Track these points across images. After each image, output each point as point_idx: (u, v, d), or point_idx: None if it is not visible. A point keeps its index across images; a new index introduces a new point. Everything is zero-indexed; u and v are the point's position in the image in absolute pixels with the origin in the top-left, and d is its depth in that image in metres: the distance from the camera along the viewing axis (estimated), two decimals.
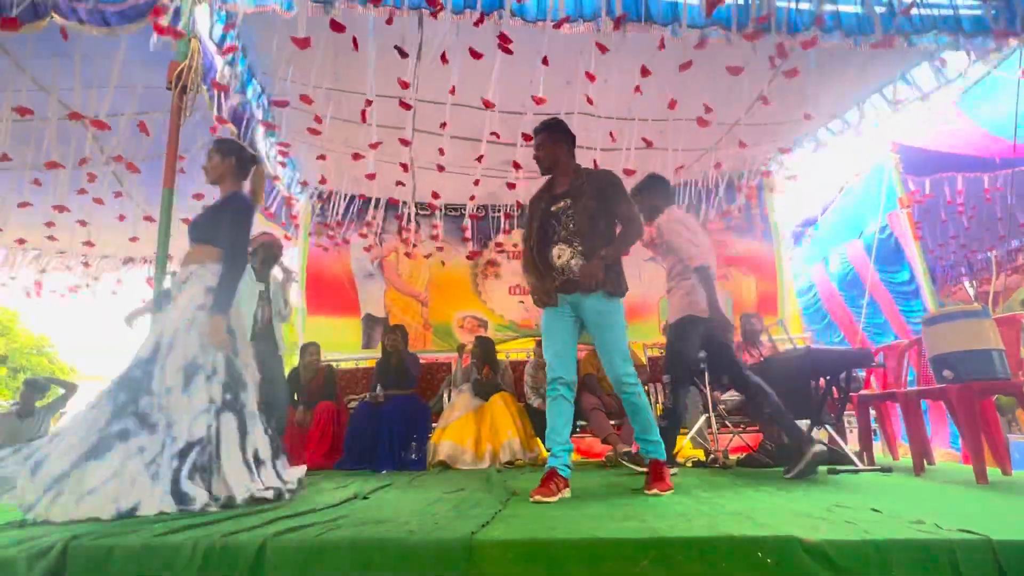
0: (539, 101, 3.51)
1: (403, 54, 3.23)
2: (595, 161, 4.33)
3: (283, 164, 4.87)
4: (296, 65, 3.45)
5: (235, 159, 2.58)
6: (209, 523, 1.67)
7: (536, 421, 4.05)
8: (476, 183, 4.66)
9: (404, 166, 4.35)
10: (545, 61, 3.37)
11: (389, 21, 3.13)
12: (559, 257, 2.45)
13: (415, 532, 1.50)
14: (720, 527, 1.47)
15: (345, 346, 5.63)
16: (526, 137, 3.84)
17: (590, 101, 3.70)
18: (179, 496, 2.00)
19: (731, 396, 3.88)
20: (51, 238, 5.63)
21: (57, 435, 2.11)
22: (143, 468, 2.00)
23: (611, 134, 4.30)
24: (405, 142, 3.98)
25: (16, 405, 5.14)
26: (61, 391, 5.40)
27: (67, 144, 3.87)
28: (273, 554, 1.41)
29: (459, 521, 1.67)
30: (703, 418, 3.69)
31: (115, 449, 2.01)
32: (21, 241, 5.77)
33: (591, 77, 3.46)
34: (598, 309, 2.40)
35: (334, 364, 4.86)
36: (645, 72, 3.53)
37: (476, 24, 3.16)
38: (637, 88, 3.63)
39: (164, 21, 2.91)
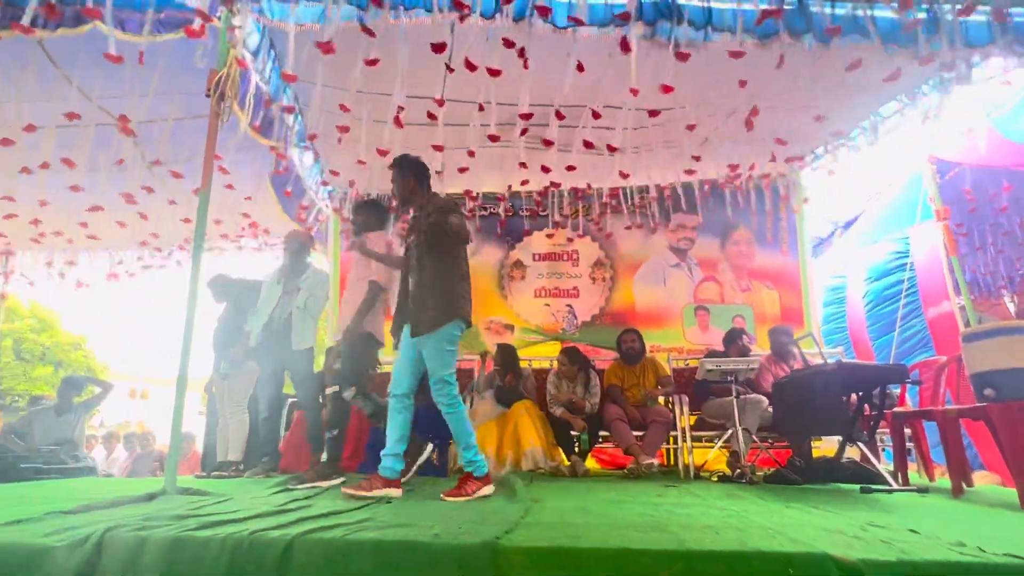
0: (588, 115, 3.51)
1: (438, 49, 3.26)
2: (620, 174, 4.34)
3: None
4: (327, 70, 3.52)
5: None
6: (237, 520, 1.70)
7: (559, 430, 4.03)
8: (523, 165, 4.62)
9: (438, 147, 4.34)
10: (580, 67, 3.37)
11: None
12: (412, 287, 2.70)
13: (439, 536, 1.50)
14: (750, 542, 1.43)
15: None
16: (559, 115, 3.85)
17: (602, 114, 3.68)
18: None
19: (756, 406, 3.80)
20: (92, 237, 5.84)
21: None
22: None
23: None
24: (438, 148, 4.01)
25: (54, 402, 5.31)
26: (97, 389, 5.56)
27: (108, 148, 4.04)
28: (300, 552, 1.42)
29: (482, 527, 1.67)
30: (731, 431, 3.62)
31: None
32: (58, 233, 5.94)
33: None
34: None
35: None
36: (667, 90, 3.51)
37: (506, 42, 3.18)
38: (666, 88, 3.58)
39: (195, 25, 3.02)
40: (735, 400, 3.66)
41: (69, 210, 5.09)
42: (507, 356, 4.38)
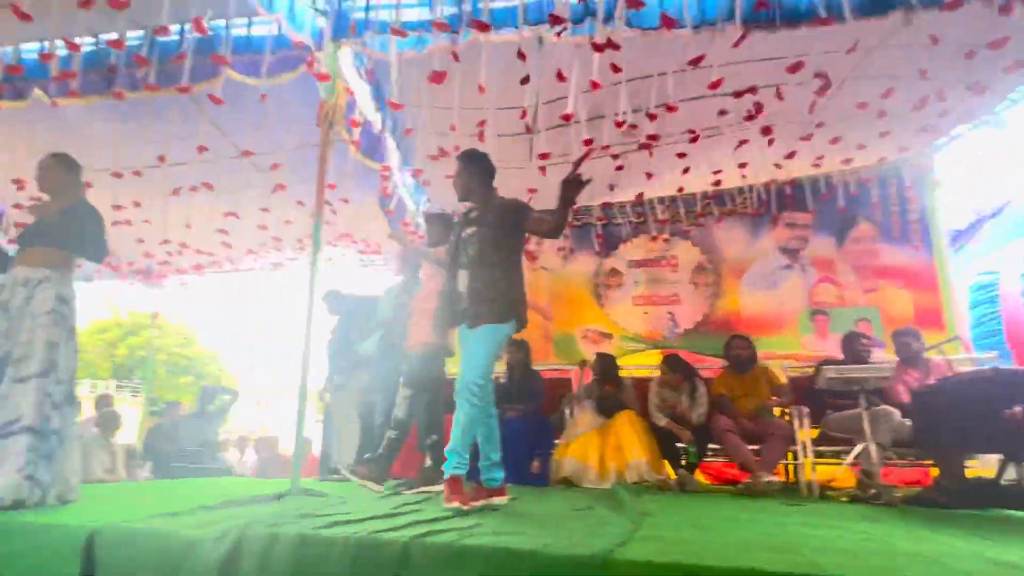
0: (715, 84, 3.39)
1: (522, 56, 3.30)
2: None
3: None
4: (424, 93, 3.68)
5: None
6: (356, 521, 1.78)
7: (664, 442, 3.86)
8: (618, 168, 4.50)
9: (542, 168, 4.38)
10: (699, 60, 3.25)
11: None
12: (461, 281, 2.56)
13: (550, 545, 1.48)
14: (903, 570, 1.26)
15: None
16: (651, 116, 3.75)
17: (714, 86, 3.47)
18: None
19: (887, 418, 3.40)
20: (226, 244, 6.50)
21: None
22: None
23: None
24: (544, 156, 4.05)
25: (194, 408, 6.00)
26: (227, 398, 6.21)
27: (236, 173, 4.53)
28: (416, 554, 1.46)
29: (593, 538, 1.62)
30: (862, 446, 3.27)
31: None
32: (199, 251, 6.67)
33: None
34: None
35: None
36: (794, 68, 3.26)
37: (595, 47, 3.14)
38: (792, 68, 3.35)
39: (317, 68, 3.29)
40: (864, 412, 3.30)
41: (207, 232, 5.73)
42: (607, 365, 4.28)
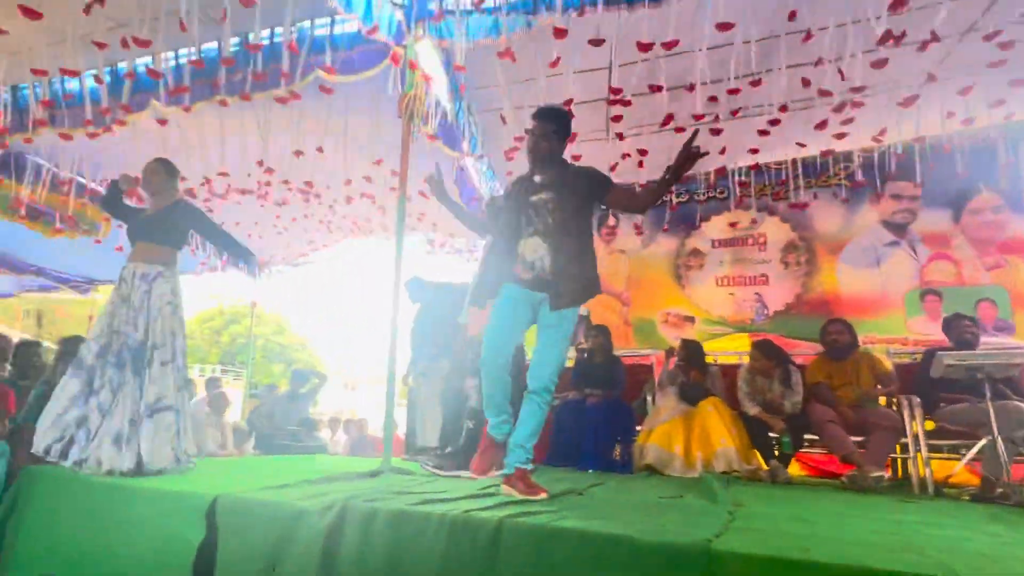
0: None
1: (597, 43, 3.20)
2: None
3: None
4: (501, 77, 3.67)
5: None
6: (449, 500, 1.83)
7: (754, 431, 3.67)
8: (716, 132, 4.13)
9: (619, 136, 4.22)
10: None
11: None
12: (534, 250, 2.30)
13: (643, 533, 1.44)
14: None
15: None
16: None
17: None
18: None
19: (1018, 412, 3.03)
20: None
21: None
22: None
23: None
24: (618, 128, 3.93)
25: (287, 391, 6.45)
26: (316, 380, 6.63)
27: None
28: (508, 534, 1.48)
29: (688, 528, 1.57)
30: (985, 440, 2.95)
31: None
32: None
33: None
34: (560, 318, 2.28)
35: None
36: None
37: None
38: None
39: (401, 62, 3.38)
40: (991, 404, 2.97)
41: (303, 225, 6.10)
42: (692, 352, 4.13)
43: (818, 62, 3.36)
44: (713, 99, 3.62)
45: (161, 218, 2.87)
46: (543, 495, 2.03)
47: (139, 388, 2.58)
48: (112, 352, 2.62)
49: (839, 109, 3.64)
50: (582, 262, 2.31)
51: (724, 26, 3.10)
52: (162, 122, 3.90)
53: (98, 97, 3.78)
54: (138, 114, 3.79)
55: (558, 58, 3.29)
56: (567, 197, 2.32)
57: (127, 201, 3.18)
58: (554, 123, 2.44)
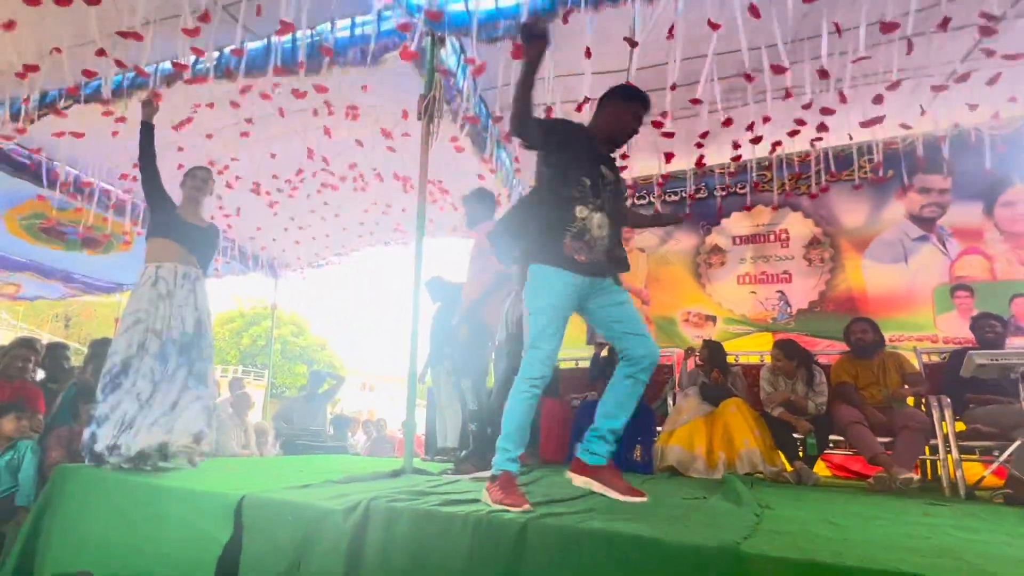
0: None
1: (632, 43, 3.18)
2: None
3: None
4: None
5: None
6: (473, 500, 1.83)
7: (778, 432, 3.61)
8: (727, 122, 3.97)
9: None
10: None
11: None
12: (599, 227, 2.05)
13: (669, 534, 1.43)
14: None
15: (568, 343, 5.73)
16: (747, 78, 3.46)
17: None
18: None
19: None
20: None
21: None
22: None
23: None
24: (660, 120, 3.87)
25: (304, 391, 6.51)
26: (335, 381, 6.68)
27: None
28: (534, 535, 1.47)
29: (714, 530, 1.55)
30: (1020, 441, 2.86)
31: None
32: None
33: None
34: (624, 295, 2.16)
35: (556, 363, 5.02)
36: None
37: None
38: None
39: (411, 48, 3.37)
40: None
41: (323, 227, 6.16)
42: (714, 352, 4.08)
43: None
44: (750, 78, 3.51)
45: (204, 237, 3.02)
46: (525, 507, 1.68)
47: (182, 380, 2.70)
48: (151, 348, 2.69)
49: (894, 87, 3.47)
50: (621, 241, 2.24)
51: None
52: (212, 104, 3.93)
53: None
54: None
55: (585, 51, 3.24)
56: (621, 188, 2.24)
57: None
58: (636, 104, 2.21)
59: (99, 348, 4.00)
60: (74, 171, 5.00)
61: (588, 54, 3.27)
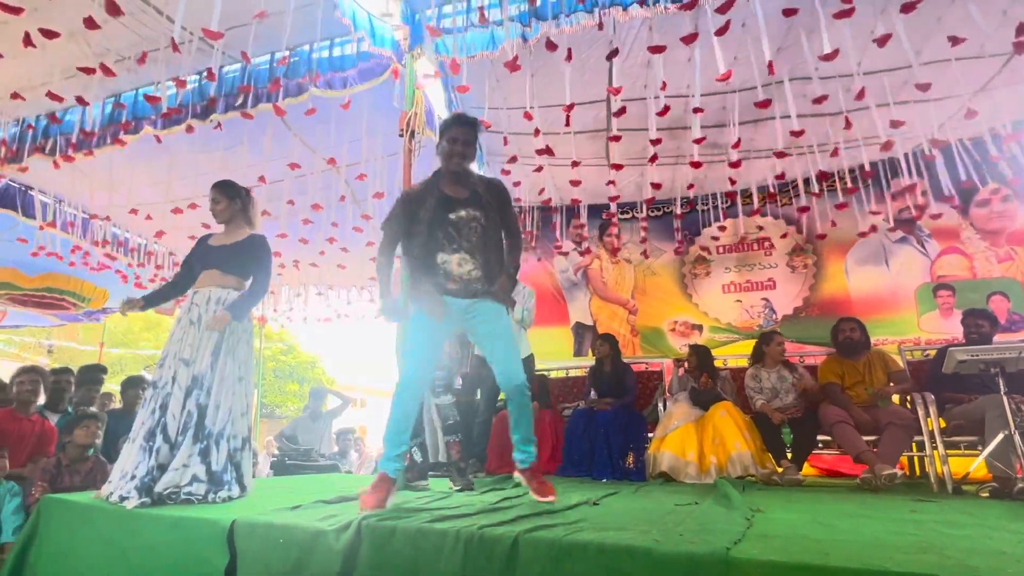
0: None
1: (612, 54, 3.25)
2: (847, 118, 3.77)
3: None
4: (499, 92, 3.72)
5: None
6: (465, 515, 1.83)
7: (767, 433, 3.65)
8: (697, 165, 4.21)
9: (615, 166, 4.26)
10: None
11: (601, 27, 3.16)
12: (459, 266, 2.31)
13: (661, 542, 1.44)
14: None
15: (558, 354, 5.77)
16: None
17: (829, 57, 3.17)
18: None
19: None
20: (313, 264, 6.94)
21: None
22: None
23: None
24: (615, 138, 3.96)
25: (308, 410, 6.40)
26: (338, 401, 6.57)
27: (328, 189, 4.80)
28: (526, 549, 1.48)
29: (706, 535, 1.56)
30: (1002, 435, 2.92)
31: None
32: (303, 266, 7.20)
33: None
34: (499, 317, 2.34)
35: (547, 373, 5.04)
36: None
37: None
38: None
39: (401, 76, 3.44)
40: (1006, 397, 2.94)
41: (305, 251, 6.14)
42: (701, 356, 4.12)
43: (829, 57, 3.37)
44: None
45: (234, 252, 2.79)
46: (551, 498, 2.18)
47: (208, 414, 2.54)
48: (179, 379, 2.56)
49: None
50: (502, 262, 2.41)
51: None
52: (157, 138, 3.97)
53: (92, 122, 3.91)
54: (133, 136, 3.88)
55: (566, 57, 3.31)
56: (489, 212, 2.35)
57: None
58: (475, 130, 2.36)
59: (87, 375, 4.02)
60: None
61: (570, 56, 3.32)
